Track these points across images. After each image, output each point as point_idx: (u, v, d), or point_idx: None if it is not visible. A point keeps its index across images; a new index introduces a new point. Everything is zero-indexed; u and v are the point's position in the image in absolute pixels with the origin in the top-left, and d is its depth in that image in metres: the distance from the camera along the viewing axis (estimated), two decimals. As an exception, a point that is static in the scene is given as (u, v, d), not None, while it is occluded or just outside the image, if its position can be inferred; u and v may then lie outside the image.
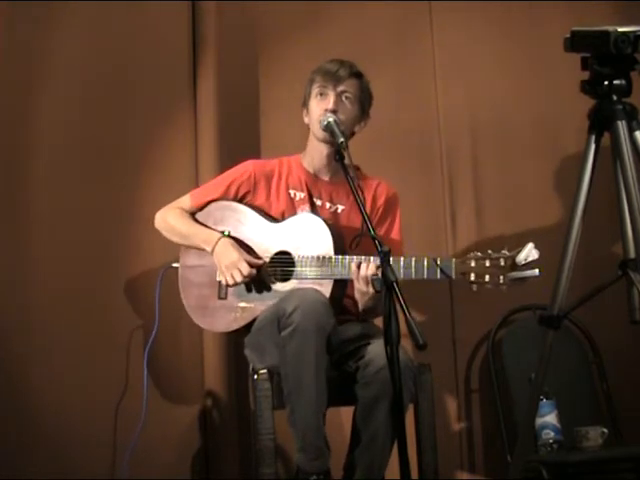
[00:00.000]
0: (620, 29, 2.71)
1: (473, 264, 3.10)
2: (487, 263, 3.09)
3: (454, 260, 3.14)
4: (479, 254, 3.12)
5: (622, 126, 2.77)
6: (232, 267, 3.29)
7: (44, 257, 3.69)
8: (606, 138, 2.82)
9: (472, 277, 3.11)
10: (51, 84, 3.76)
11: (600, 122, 2.81)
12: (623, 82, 2.79)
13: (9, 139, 3.68)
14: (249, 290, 3.33)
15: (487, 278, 3.10)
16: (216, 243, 3.34)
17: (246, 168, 3.47)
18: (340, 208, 3.44)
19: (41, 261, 3.69)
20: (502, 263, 3.09)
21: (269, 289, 3.31)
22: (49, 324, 3.66)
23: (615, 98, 2.79)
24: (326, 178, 3.46)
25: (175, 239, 3.47)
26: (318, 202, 3.44)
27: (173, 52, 3.98)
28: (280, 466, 3.57)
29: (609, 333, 4.06)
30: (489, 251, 3.12)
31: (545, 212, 4.14)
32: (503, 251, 3.10)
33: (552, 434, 3.80)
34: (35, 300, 3.67)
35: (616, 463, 3.89)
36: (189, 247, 3.44)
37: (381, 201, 3.47)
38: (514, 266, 3.07)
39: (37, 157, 3.72)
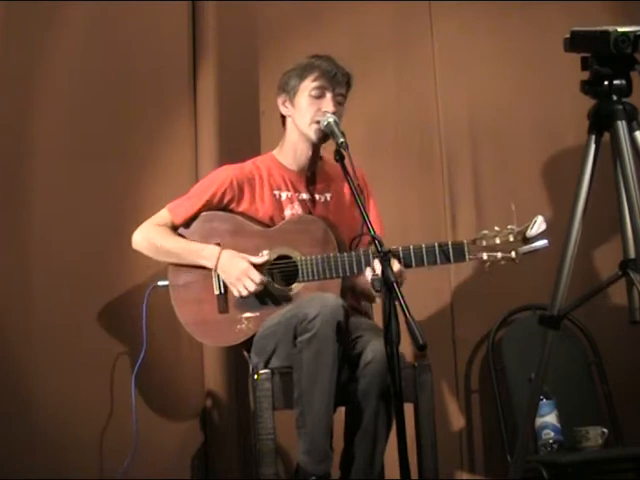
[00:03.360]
0: (620, 29, 2.72)
1: (484, 243, 3.14)
2: (497, 240, 3.12)
3: (466, 242, 3.15)
4: (487, 232, 3.14)
5: (622, 126, 2.77)
6: (243, 277, 3.22)
7: (46, 255, 3.67)
8: (606, 138, 2.82)
9: (485, 256, 3.13)
10: (51, 84, 3.75)
11: (600, 122, 2.82)
12: (623, 82, 2.80)
13: (9, 139, 3.68)
14: (254, 298, 3.28)
15: (499, 255, 3.13)
16: (219, 257, 3.26)
17: (226, 174, 3.38)
18: (329, 197, 3.43)
19: (43, 259, 3.67)
20: (512, 238, 3.12)
21: (274, 296, 3.28)
22: (51, 322, 3.64)
23: (615, 98, 2.80)
24: (308, 173, 3.42)
25: (162, 258, 3.37)
26: (307, 197, 3.40)
27: (173, 52, 3.98)
28: (280, 466, 3.57)
29: (609, 333, 4.07)
30: (496, 228, 3.14)
31: (545, 212, 4.12)
32: (510, 226, 3.12)
33: (552, 434, 3.80)
34: (37, 298, 3.65)
35: (616, 463, 3.89)
36: (178, 265, 3.34)
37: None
38: (525, 240, 3.09)
39: (37, 157, 3.71)
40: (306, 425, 3.08)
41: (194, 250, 3.32)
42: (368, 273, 3.09)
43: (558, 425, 3.81)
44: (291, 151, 3.41)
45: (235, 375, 3.84)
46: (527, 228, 3.09)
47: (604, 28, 2.74)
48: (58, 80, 3.77)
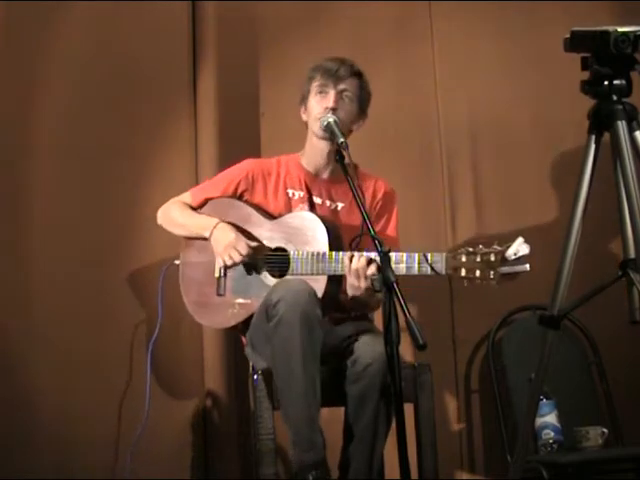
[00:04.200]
0: (620, 29, 2.72)
1: (464, 259, 3.06)
2: (478, 258, 3.06)
3: (445, 255, 3.11)
4: (470, 249, 3.08)
5: (622, 126, 2.77)
6: (230, 247, 3.31)
7: (47, 255, 3.69)
8: (606, 138, 2.82)
9: (463, 272, 3.08)
10: (51, 84, 3.76)
11: (600, 122, 2.81)
12: (623, 82, 2.80)
13: (9, 139, 3.68)
14: (246, 286, 3.34)
15: (478, 273, 3.05)
16: (214, 227, 3.37)
17: (244, 166, 3.50)
18: (340, 206, 3.45)
19: (44, 258, 3.69)
20: (492, 258, 3.03)
21: (266, 285, 3.31)
22: (52, 320, 3.65)
23: (615, 98, 2.79)
24: (325, 176, 3.47)
25: (176, 230, 3.50)
26: (318, 200, 3.45)
27: (173, 52, 3.98)
28: (280, 466, 3.57)
29: (609, 333, 4.06)
30: (480, 246, 3.08)
31: (545, 212, 4.14)
32: (494, 246, 3.06)
33: (552, 434, 3.80)
34: (38, 296, 3.67)
35: (616, 463, 3.89)
36: (189, 238, 3.46)
37: (380, 195, 3.48)
38: (504, 261, 3.05)
39: (38, 157, 3.72)
40: (288, 415, 3.11)
41: (197, 221, 3.45)
42: (346, 262, 3.14)
43: (558, 425, 3.81)
44: (308, 153, 3.47)
45: (235, 375, 3.85)
46: (507, 248, 3.05)
47: (604, 28, 2.74)
48: (58, 80, 3.77)
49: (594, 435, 3.78)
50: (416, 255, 3.12)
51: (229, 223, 3.38)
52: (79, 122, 3.80)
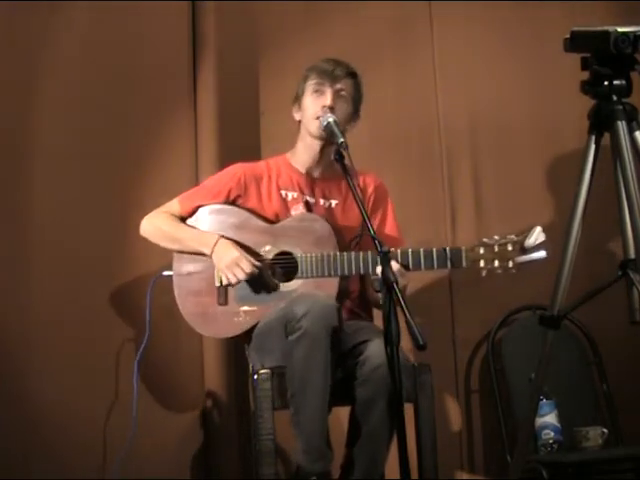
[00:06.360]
0: (620, 29, 2.72)
1: (482, 251, 3.17)
2: (495, 249, 3.15)
3: (464, 248, 3.18)
4: (486, 240, 3.16)
5: (622, 126, 2.77)
6: (233, 265, 3.28)
7: (41, 259, 3.67)
8: (606, 138, 2.82)
9: (482, 264, 3.16)
10: (51, 84, 3.76)
11: (600, 122, 2.82)
12: (623, 82, 2.80)
13: (9, 139, 3.68)
14: (253, 292, 3.32)
15: (496, 263, 3.17)
16: (215, 244, 3.32)
17: (235, 172, 3.46)
18: (334, 203, 3.45)
19: (38, 264, 3.66)
20: (510, 247, 3.15)
21: (272, 290, 3.31)
22: (46, 328, 3.63)
23: (615, 98, 2.80)
24: (317, 175, 3.46)
25: (166, 244, 3.43)
26: (311, 199, 3.44)
27: (173, 52, 3.98)
28: (280, 466, 3.58)
29: (609, 333, 4.07)
30: (496, 237, 3.17)
31: (545, 212, 4.14)
32: (510, 236, 3.16)
33: (552, 434, 3.80)
34: (35, 303, 3.65)
35: (616, 463, 3.89)
36: (182, 252, 3.39)
37: (370, 190, 3.47)
38: (522, 250, 3.12)
39: (36, 158, 3.71)
40: (300, 424, 3.10)
41: (195, 237, 3.38)
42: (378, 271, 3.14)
43: (558, 425, 3.81)
44: (300, 152, 3.46)
45: (235, 375, 3.85)
46: (525, 238, 3.11)
47: (604, 28, 2.74)
48: (57, 80, 3.77)
49: (594, 435, 3.78)
50: (434, 249, 3.18)
51: (229, 238, 3.34)
52: (78, 122, 3.79)
